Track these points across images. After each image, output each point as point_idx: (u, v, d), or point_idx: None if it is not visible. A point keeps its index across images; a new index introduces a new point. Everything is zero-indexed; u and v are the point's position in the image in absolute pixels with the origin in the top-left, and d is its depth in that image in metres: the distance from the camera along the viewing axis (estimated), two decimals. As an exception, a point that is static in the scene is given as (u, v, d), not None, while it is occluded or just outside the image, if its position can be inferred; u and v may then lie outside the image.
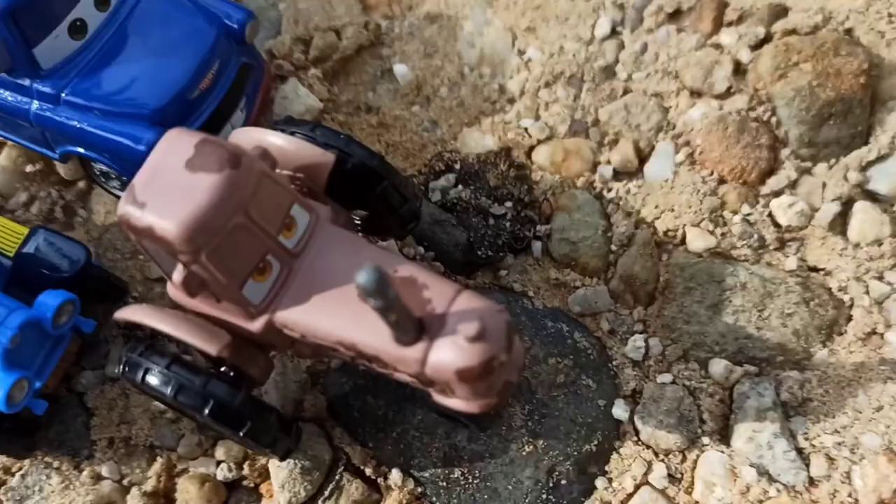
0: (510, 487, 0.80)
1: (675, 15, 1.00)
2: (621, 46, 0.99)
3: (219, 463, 0.82)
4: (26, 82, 0.83)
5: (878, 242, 0.89)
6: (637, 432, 0.82)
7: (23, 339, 0.76)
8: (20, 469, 0.83)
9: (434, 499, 0.80)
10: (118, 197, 0.91)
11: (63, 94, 0.83)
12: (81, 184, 0.95)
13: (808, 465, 0.80)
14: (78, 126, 0.83)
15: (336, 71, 1.00)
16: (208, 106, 0.86)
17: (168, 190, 0.59)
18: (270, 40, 1.00)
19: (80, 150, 0.86)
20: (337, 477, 0.81)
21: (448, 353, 0.62)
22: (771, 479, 0.79)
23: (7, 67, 0.82)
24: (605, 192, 0.93)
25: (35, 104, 0.84)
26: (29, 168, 0.95)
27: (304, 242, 0.67)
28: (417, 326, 0.62)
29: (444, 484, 0.80)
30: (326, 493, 0.80)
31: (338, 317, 0.65)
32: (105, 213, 0.93)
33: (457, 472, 0.80)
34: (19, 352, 0.76)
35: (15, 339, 0.75)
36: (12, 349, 0.75)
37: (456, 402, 0.68)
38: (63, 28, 0.83)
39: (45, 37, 0.82)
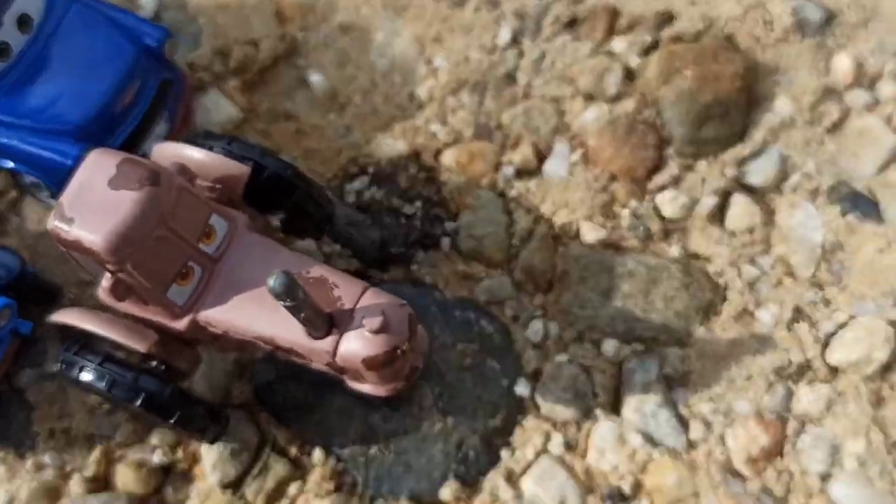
0: (423, 461, 0.89)
1: (571, 24, 1.09)
2: (521, 55, 1.07)
3: (154, 448, 0.89)
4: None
5: (751, 230, 0.99)
6: (538, 407, 0.92)
7: None
8: None
9: (354, 473, 0.89)
10: (49, 205, 0.97)
11: (-4, 109, 0.89)
12: (13, 193, 1.00)
13: (687, 430, 0.90)
14: (7, 142, 0.89)
15: (255, 81, 1.06)
16: (132, 120, 0.93)
17: (93, 206, 0.66)
18: (191, 53, 1.06)
19: (11, 164, 0.91)
20: (264, 457, 0.88)
21: (355, 345, 0.71)
22: (655, 444, 0.90)
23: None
24: (507, 191, 1.02)
25: None
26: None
27: (224, 248, 0.74)
28: (328, 322, 0.70)
29: (363, 460, 0.89)
30: (255, 472, 0.88)
31: (256, 314, 0.73)
32: (38, 220, 0.98)
33: (374, 449, 0.89)
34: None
35: None
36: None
37: (367, 387, 0.77)
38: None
39: None
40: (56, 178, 0.89)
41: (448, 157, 1.02)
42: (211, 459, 0.87)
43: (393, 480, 0.88)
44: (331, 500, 0.87)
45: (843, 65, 1.07)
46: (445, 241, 0.99)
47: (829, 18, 1.09)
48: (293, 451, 0.89)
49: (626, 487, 0.88)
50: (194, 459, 0.89)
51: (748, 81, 1.06)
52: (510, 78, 1.07)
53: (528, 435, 0.91)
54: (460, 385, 0.91)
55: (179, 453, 0.89)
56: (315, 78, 1.06)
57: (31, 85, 0.89)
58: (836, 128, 1.05)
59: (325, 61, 1.07)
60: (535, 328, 0.95)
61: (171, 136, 0.97)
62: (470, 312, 0.95)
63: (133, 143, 0.93)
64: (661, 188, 1.01)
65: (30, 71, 0.90)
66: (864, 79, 1.07)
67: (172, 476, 0.89)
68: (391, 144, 1.03)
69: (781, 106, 1.06)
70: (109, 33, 0.93)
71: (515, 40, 1.08)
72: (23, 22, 0.90)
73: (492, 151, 1.03)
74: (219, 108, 1.02)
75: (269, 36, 1.07)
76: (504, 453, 0.90)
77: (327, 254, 0.97)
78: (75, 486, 0.88)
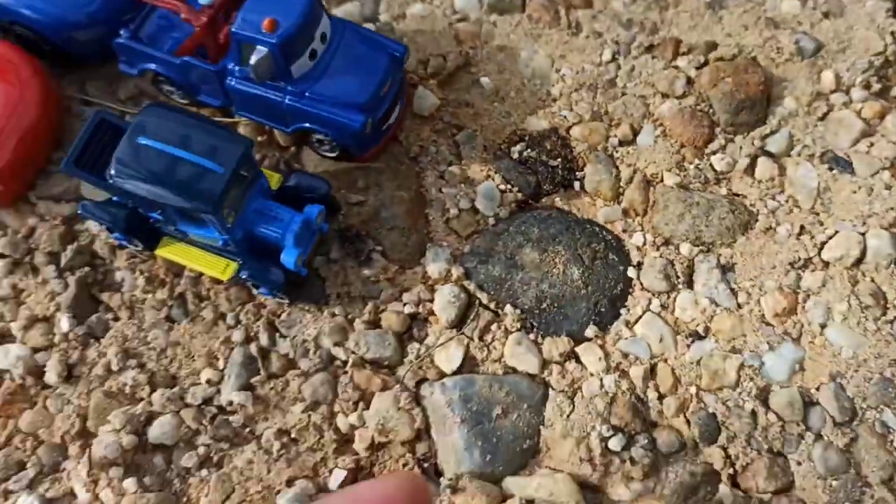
0: (574, 312, 1.40)
1: (650, 48, 1.63)
2: (619, 67, 1.60)
3: (404, 304, 1.40)
4: (282, 85, 1.40)
5: (771, 179, 1.53)
6: (642, 284, 1.44)
7: (299, 231, 1.33)
8: (285, 311, 1.39)
9: (532, 321, 1.40)
10: (322, 155, 1.48)
11: (306, 93, 1.40)
12: (293, 148, 1.52)
13: (736, 297, 1.43)
14: (315, 112, 1.39)
15: (445, 81, 1.56)
16: (387, 102, 1.43)
17: None
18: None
19: (308, 125, 1.43)
20: (475, 309, 1.40)
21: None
22: (716, 305, 1.41)
23: (272, 76, 1.39)
24: (614, 154, 1.55)
25: (287, 98, 1.40)
26: (259, 138, 1.51)
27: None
28: None
29: (537, 312, 1.40)
30: (470, 317, 1.39)
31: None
32: (313, 165, 1.49)
33: (544, 305, 1.40)
34: (300, 238, 1.33)
35: (301, 229, 1.32)
36: (299, 235, 1.32)
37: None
38: (305, 55, 1.40)
39: (296, 59, 1.38)
40: (344, 136, 1.40)
41: (575, 131, 1.52)
42: (441, 308, 1.38)
43: (556, 325, 1.40)
44: (518, 334, 1.38)
45: (828, 78, 1.59)
46: (577, 185, 1.51)
47: (819, 47, 1.63)
48: (493, 306, 1.40)
49: (700, 330, 1.41)
50: (431, 312, 1.40)
51: (767, 87, 1.59)
52: (612, 82, 1.59)
53: (637, 300, 1.42)
54: (595, 268, 1.44)
55: (421, 307, 1.40)
56: (484, 80, 1.57)
57: (329, 77, 1.39)
58: (824, 117, 1.57)
59: (490, 69, 1.59)
60: (637, 237, 1.47)
61: (403, 112, 1.50)
62: (596, 227, 1.48)
63: (386, 116, 1.45)
64: (713, 152, 1.53)
65: (328, 69, 1.40)
66: (842, 86, 1.58)
67: (417, 320, 1.40)
68: (537, 123, 1.55)
69: (788, 103, 1.58)
70: (370, 46, 1.44)
71: (614, 58, 1.62)
72: (322, 37, 1.42)
73: (603, 128, 1.55)
74: (425, 97, 1.54)
75: (451, 52, 1.59)
76: (623, 310, 1.42)
77: (501, 190, 1.49)
78: (358, 325, 1.39)
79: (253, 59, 1.30)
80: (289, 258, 1.30)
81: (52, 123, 1.46)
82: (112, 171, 1.21)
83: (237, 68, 1.37)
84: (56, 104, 1.47)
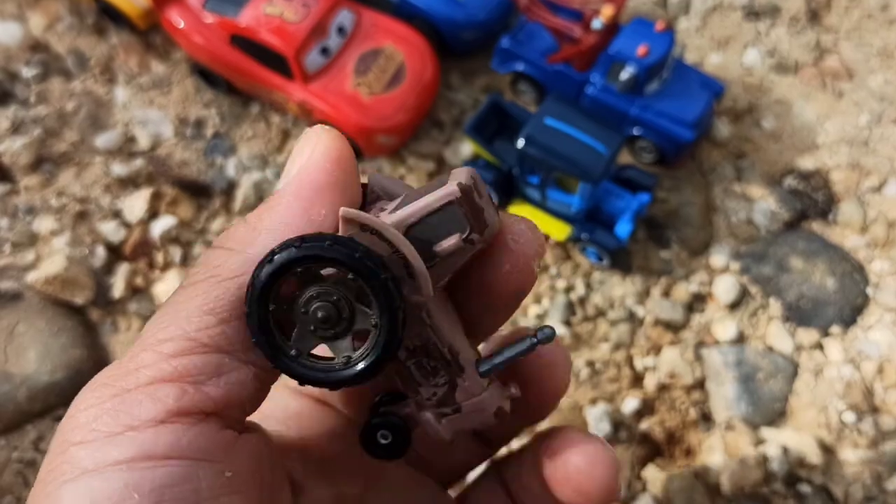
0: (824, 312, 1.79)
1: None
2: (870, 131, 2.02)
3: (690, 283, 1.81)
4: (631, 99, 1.82)
5: None
6: (877, 301, 1.83)
7: (636, 211, 1.74)
8: (596, 272, 1.80)
9: (790, 313, 1.79)
10: (640, 161, 1.90)
11: (652, 107, 1.82)
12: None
13: None
14: (653, 121, 1.81)
15: (737, 119, 2.00)
16: (707, 124, 1.86)
17: None
18: (704, 98, 2.00)
19: (641, 132, 1.84)
20: (748, 297, 1.80)
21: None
22: None
23: (630, 91, 1.81)
24: (863, 197, 1.94)
25: (634, 109, 1.82)
26: (589, 138, 1.93)
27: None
28: None
29: (796, 307, 1.79)
30: (745, 303, 1.79)
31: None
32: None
33: (801, 302, 1.80)
34: (634, 216, 1.73)
35: (637, 209, 1.73)
36: (635, 214, 1.73)
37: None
38: (655, 79, 1.82)
39: (650, 81, 1.81)
40: (671, 146, 1.81)
41: (834, 175, 1.89)
42: (721, 292, 1.78)
43: (809, 319, 1.79)
44: (778, 321, 1.77)
45: None
46: (831, 216, 1.91)
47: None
48: (761, 297, 1.80)
49: None
50: (710, 294, 1.80)
51: None
52: (866, 142, 2.00)
53: (873, 312, 1.81)
54: (844, 282, 1.83)
55: (703, 288, 1.80)
56: (765, 123, 2.00)
57: (668, 98, 1.81)
58: None
59: (770, 115, 2.01)
60: (876, 265, 1.86)
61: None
62: (844, 252, 1.87)
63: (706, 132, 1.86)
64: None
65: (668, 92, 1.83)
66: None
67: (698, 298, 1.79)
68: (805, 163, 1.93)
69: None
70: (698, 80, 1.86)
71: (868, 124, 2.02)
72: (668, 69, 1.84)
73: (856, 176, 1.93)
74: (719, 128, 1.95)
75: (740, 97, 2.01)
76: (859, 318, 1.81)
77: (773, 210, 1.89)
78: (654, 293, 1.78)
79: (623, 76, 1.72)
80: (624, 230, 1.70)
81: (434, 95, 1.89)
82: (523, 142, 1.62)
83: (600, 80, 1.78)
84: (438, 81, 1.90)
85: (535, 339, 0.56)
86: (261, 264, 0.48)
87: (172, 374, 0.47)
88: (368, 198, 0.56)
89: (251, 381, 0.50)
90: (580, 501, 0.64)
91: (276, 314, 0.50)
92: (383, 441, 0.60)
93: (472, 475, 0.79)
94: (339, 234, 0.51)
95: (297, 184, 0.50)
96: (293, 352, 0.51)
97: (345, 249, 0.47)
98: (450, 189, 0.50)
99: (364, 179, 0.57)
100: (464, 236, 0.51)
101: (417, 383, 0.57)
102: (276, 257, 0.47)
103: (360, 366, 0.51)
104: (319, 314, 0.50)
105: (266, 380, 0.51)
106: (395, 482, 0.68)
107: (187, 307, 0.48)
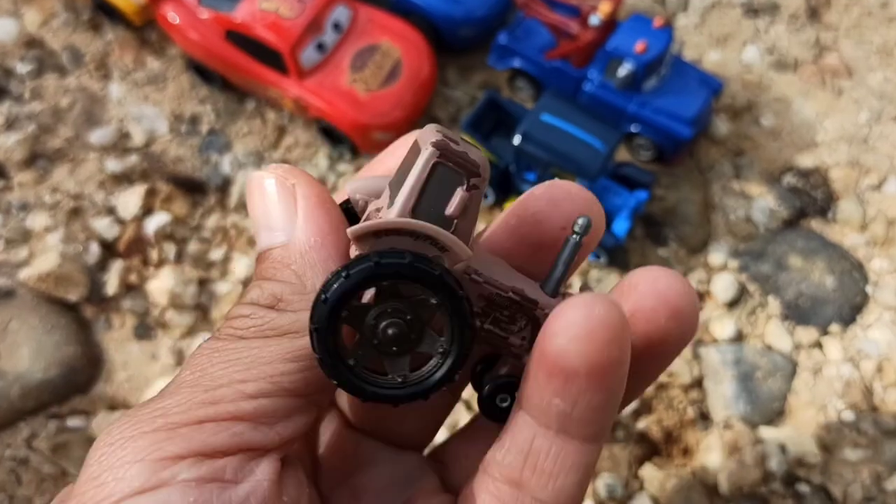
0: (823, 310, 1.78)
1: None
2: (870, 129, 2.00)
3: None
4: (629, 96, 1.81)
5: None
6: (877, 300, 1.81)
7: (633, 208, 1.72)
8: (593, 269, 1.78)
9: (789, 311, 1.78)
10: (637, 158, 1.88)
11: (648, 104, 1.80)
12: (611, 147, 1.92)
13: None
14: (651, 118, 1.79)
15: (734, 117, 1.98)
16: (706, 121, 1.85)
17: None
18: (702, 95, 1.99)
19: (639, 129, 1.82)
20: (746, 295, 1.78)
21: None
22: None
23: (627, 87, 1.79)
24: (863, 195, 1.93)
25: (632, 106, 1.81)
26: (586, 135, 1.92)
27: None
28: None
29: (794, 306, 1.78)
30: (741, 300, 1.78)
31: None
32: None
33: (800, 301, 1.78)
34: (631, 214, 1.72)
35: (635, 207, 1.71)
36: (632, 211, 1.72)
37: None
38: (653, 75, 1.81)
39: (648, 78, 1.80)
40: (669, 143, 1.80)
41: (833, 173, 1.88)
42: (719, 290, 1.77)
43: (807, 318, 1.77)
44: (777, 320, 1.76)
45: None
46: (830, 215, 1.90)
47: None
48: (759, 295, 1.79)
49: None
50: (708, 291, 1.78)
51: None
52: (865, 140, 1.99)
53: (872, 311, 1.80)
54: (843, 281, 1.81)
55: (700, 286, 1.79)
56: (764, 121, 1.98)
57: (666, 95, 1.80)
58: None
59: (769, 112, 2.00)
60: (875, 263, 1.85)
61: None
62: (843, 250, 1.86)
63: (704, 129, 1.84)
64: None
65: (666, 89, 1.82)
66: None
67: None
68: (804, 160, 1.93)
69: None
70: (694, 76, 1.85)
71: (868, 122, 2.01)
72: (665, 64, 1.83)
73: (855, 174, 1.92)
74: (717, 126, 1.94)
75: (739, 94, 2.00)
76: (858, 317, 1.79)
77: (772, 208, 1.88)
78: None
79: (621, 73, 1.71)
80: (621, 228, 1.69)
81: (431, 92, 1.88)
82: (519, 138, 1.61)
83: (598, 76, 1.77)
84: (434, 78, 1.89)
85: (576, 235, 0.56)
86: (334, 278, 0.49)
87: (251, 412, 0.51)
88: (358, 208, 0.57)
89: (311, 421, 0.55)
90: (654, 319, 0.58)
91: (341, 325, 0.52)
92: (503, 405, 0.61)
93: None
94: (353, 252, 0.54)
95: (315, 234, 0.54)
96: (351, 361, 0.53)
97: (425, 267, 0.49)
98: (427, 154, 0.51)
99: (344, 196, 0.58)
100: (464, 187, 0.52)
101: (504, 338, 0.58)
102: (352, 272, 0.49)
103: (427, 384, 0.53)
104: (390, 331, 0.52)
105: (322, 416, 0.56)
106: (381, 463, 0.69)
107: (268, 355, 0.52)
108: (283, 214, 0.54)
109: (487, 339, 0.58)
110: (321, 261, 0.53)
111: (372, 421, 0.70)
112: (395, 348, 0.52)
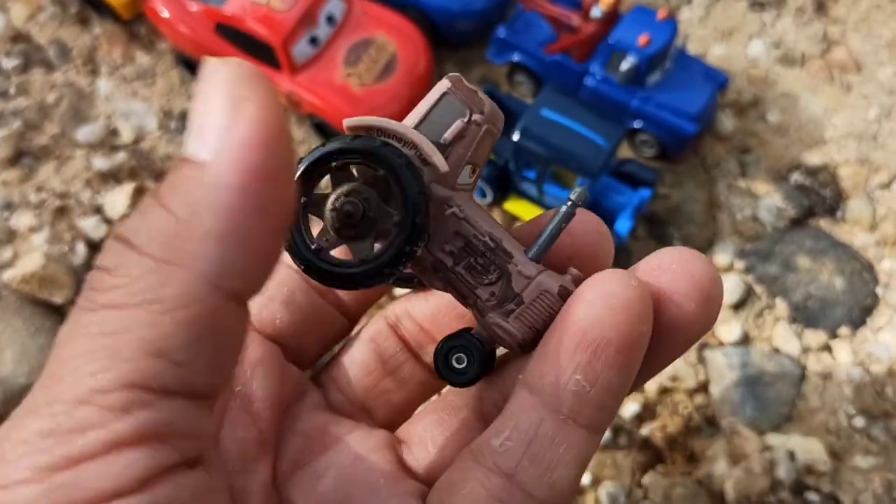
0: (833, 313, 1.72)
1: (905, 115, 1.97)
2: (880, 125, 1.95)
3: None
4: (632, 91, 1.75)
5: None
6: (887, 302, 1.76)
7: (637, 207, 1.67)
8: None
9: (797, 314, 1.72)
10: (640, 155, 1.83)
11: (651, 99, 1.75)
12: (613, 144, 1.86)
13: None
14: (655, 113, 1.74)
15: (740, 113, 1.92)
16: (713, 114, 1.79)
17: None
18: (707, 90, 1.93)
19: (641, 125, 1.77)
20: (752, 297, 1.73)
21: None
22: None
23: (630, 82, 1.74)
24: (873, 194, 1.87)
25: (635, 101, 1.75)
26: (588, 131, 1.86)
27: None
28: None
29: (803, 308, 1.73)
30: (747, 303, 1.72)
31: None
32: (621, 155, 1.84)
33: (809, 303, 1.73)
34: (634, 212, 1.67)
35: (638, 206, 1.66)
36: (635, 210, 1.66)
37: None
38: (657, 69, 1.75)
39: (652, 72, 1.74)
40: (673, 139, 1.75)
41: (842, 170, 1.83)
42: (725, 292, 1.71)
43: (816, 320, 1.72)
44: (785, 323, 1.71)
45: None
46: (839, 214, 1.84)
47: None
48: (766, 297, 1.73)
49: None
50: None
51: None
52: (875, 137, 1.92)
53: (882, 313, 1.74)
54: (853, 282, 1.76)
55: None
56: (770, 117, 1.93)
57: (670, 90, 1.75)
58: None
59: (776, 108, 1.94)
60: (885, 264, 1.79)
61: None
62: (852, 250, 1.80)
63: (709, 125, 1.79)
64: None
65: (670, 84, 1.76)
66: None
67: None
68: (812, 158, 1.87)
69: None
70: (699, 70, 1.80)
71: (877, 118, 1.95)
72: (669, 58, 1.77)
73: (865, 172, 1.86)
74: (723, 122, 1.89)
75: (744, 89, 1.95)
76: (868, 319, 1.74)
77: (779, 207, 1.82)
78: None
79: (623, 67, 1.65)
80: (623, 227, 1.63)
81: (427, 87, 1.82)
82: (518, 134, 1.55)
83: (600, 71, 1.72)
84: (431, 73, 1.83)
85: (570, 202, 0.56)
86: (310, 153, 0.52)
87: (133, 435, 0.39)
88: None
89: (212, 414, 0.45)
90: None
91: (304, 212, 0.53)
92: (458, 366, 0.58)
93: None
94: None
95: (241, 171, 0.39)
96: (314, 246, 0.53)
97: (366, 141, 0.51)
98: (441, 84, 0.55)
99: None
100: (466, 119, 0.55)
101: (473, 287, 0.56)
102: (328, 143, 0.52)
103: (382, 259, 0.53)
104: (347, 208, 0.52)
105: (223, 402, 0.48)
106: (351, 441, 0.64)
107: (126, 345, 0.39)
108: (218, 126, 0.39)
109: (456, 286, 0.57)
110: (234, 207, 0.39)
111: (349, 400, 0.67)
112: (355, 231, 0.53)
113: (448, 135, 0.55)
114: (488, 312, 0.56)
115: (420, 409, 0.70)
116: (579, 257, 0.57)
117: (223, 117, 0.40)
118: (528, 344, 0.55)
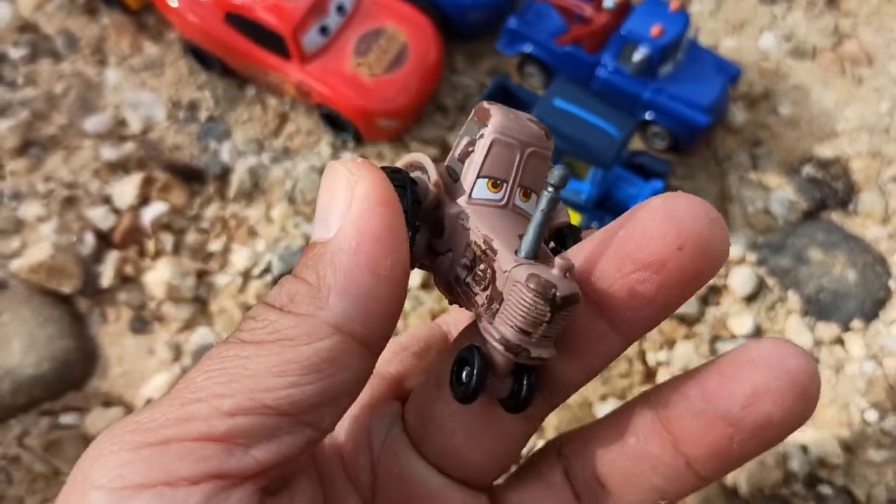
0: (845, 306, 1.71)
1: (917, 108, 1.96)
2: (892, 118, 1.94)
3: None
4: (644, 82, 1.74)
5: None
6: None
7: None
8: None
9: (809, 306, 1.71)
10: (652, 147, 1.82)
11: (664, 90, 1.74)
12: (624, 136, 1.85)
13: None
14: (667, 105, 1.73)
15: (752, 105, 1.91)
16: (726, 105, 1.78)
17: None
18: (719, 82, 1.92)
19: (653, 116, 1.75)
20: (765, 289, 1.72)
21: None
22: None
23: (642, 73, 1.73)
24: (885, 187, 1.86)
25: (647, 92, 1.74)
26: (599, 123, 1.85)
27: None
28: None
29: (815, 301, 1.72)
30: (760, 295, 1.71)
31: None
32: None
33: (821, 295, 1.72)
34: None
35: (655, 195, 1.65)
36: None
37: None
38: (670, 61, 1.74)
39: (664, 63, 1.73)
40: (685, 131, 1.74)
41: (854, 163, 1.82)
42: (737, 284, 1.70)
43: (828, 313, 1.71)
44: (797, 315, 1.70)
45: None
46: (851, 207, 1.83)
47: None
48: (779, 289, 1.72)
49: None
50: (725, 286, 1.71)
51: None
52: (887, 130, 1.92)
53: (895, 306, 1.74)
54: (866, 275, 1.75)
55: (718, 281, 1.72)
56: (782, 110, 1.92)
57: (682, 81, 1.74)
58: None
59: (787, 101, 1.93)
60: None
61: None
62: (864, 243, 1.79)
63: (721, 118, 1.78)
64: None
65: (682, 75, 1.75)
66: None
67: (713, 290, 1.72)
68: (824, 150, 1.86)
69: None
70: (711, 62, 1.79)
71: (889, 111, 1.94)
72: (681, 50, 1.76)
73: (877, 165, 1.85)
74: (734, 114, 1.88)
75: (756, 82, 1.94)
76: (881, 312, 1.73)
77: (791, 199, 1.81)
78: None
79: (636, 57, 1.64)
80: (636, 218, 1.62)
81: (438, 78, 1.81)
82: (531, 123, 1.54)
83: (612, 62, 1.70)
84: (442, 63, 1.82)
85: (550, 185, 0.49)
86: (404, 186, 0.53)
87: (224, 433, 0.45)
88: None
89: (303, 445, 0.48)
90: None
91: None
92: (465, 379, 0.55)
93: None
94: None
95: (354, 237, 0.48)
96: None
97: (388, 167, 0.54)
98: (479, 108, 0.58)
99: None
100: (469, 137, 0.55)
101: (474, 295, 0.54)
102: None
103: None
104: None
105: (317, 441, 0.50)
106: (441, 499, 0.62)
107: (254, 367, 0.46)
108: (338, 211, 0.49)
109: (464, 298, 0.55)
110: (349, 266, 0.48)
111: (437, 444, 0.62)
112: None
113: (456, 153, 0.56)
114: (483, 318, 0.53)
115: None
116: (689, 246, 0.51)
117: (342, 204, 0.49)
118: (512, 346, 0.51)
